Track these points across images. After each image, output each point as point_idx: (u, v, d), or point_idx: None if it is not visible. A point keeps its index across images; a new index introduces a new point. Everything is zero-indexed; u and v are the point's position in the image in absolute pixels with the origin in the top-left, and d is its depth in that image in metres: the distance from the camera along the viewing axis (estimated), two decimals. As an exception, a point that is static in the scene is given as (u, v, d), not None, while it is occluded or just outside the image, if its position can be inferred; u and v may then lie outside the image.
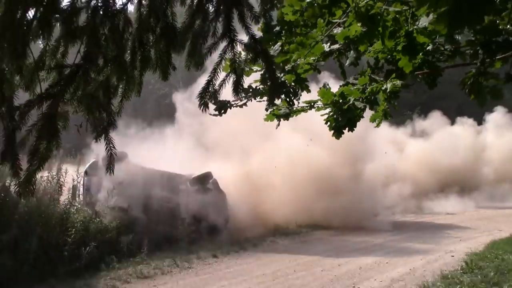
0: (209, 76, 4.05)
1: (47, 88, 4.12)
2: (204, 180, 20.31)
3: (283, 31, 6.01)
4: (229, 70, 4.20)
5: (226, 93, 4.55)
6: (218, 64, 4.06)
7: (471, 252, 16.88)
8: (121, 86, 4.48)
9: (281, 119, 6.23)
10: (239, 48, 4.09)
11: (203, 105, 4.02)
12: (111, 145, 4.26)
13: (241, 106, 6.25)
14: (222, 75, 4.15)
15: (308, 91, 5.78)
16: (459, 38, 5.50)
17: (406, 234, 21.31)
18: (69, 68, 4.21)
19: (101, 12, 4.22)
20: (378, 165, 24.52)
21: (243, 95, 5.99)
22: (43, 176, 14.94)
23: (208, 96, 4.04)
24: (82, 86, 4.12)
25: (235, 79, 4.06)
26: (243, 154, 22.80)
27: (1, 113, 4.20)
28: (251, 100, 6.23)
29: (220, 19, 4.18)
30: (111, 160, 4.25)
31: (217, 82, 4.11)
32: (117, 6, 4.30)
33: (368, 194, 22.98)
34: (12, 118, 4.19)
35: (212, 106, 4.76)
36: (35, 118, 4.05)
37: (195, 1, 4.45)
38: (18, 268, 12.59)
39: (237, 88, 4.07)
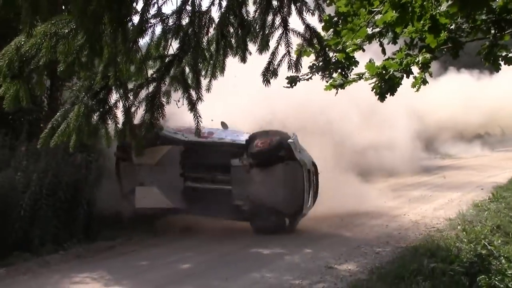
0: (269, 58, 4.02)
1: (152, 74, 4.21)
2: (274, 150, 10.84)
3: (339, 20, 5.87)
4: (297, 53, 4.14)
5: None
6: (276, 48, 4.01)
7: (496, 185, 16.35)
8: (209, 69, 4.50)
9: (338, 89, 6.15)
10: (292, 35, 4.06)
11: (266, 80, 3.99)
12: (198, 115, 4.30)
13: (306, 79, 6.16)
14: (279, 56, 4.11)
15: (356, 65, 5.69)
16: (477, 17, 5.25)
17: (444, 173, 20.65)
18: (168, 57, 4.27)
19: (190, 14, 4.23)
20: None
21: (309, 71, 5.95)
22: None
23: (270, 73, 3.98)
24: (179, 70, 4.17)
25: (294, 59, 4.02)
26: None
27: (120, 94, 4.32)
28: (314, 75, 6.14)
29: (280, 13, 4.12)
30: (198, 127, 4.29)
31: (276, 62, 4.06)
32: (202, 8, 4.30)
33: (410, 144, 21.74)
34: (128, 98, 4.29)
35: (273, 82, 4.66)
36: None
37: (263, 2, 4.38)
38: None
39: (297, 65, 4.03)
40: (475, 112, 28.23)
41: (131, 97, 4.35)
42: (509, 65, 5.26)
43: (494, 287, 7.63)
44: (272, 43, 4.12)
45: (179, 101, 4.42)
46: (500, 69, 5.33)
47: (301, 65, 4.28)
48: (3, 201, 10.05)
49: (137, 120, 4.46)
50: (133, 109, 4.39)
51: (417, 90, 6.09)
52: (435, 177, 19.86)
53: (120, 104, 4.44)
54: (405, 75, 5.60)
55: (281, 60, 4.08)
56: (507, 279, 7.80)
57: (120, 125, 4.44)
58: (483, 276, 7.80)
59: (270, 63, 4.02)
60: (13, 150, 10.90)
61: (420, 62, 5.29)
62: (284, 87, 6.17)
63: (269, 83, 4.06)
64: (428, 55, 5.25)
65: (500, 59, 5.21)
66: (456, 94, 27.50)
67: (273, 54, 4.02)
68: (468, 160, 26.02)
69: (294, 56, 4.12)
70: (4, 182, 10.36)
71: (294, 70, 4.14)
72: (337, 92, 6.28)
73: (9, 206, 10.03)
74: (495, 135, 31.99)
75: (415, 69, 5.84)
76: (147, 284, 7.77)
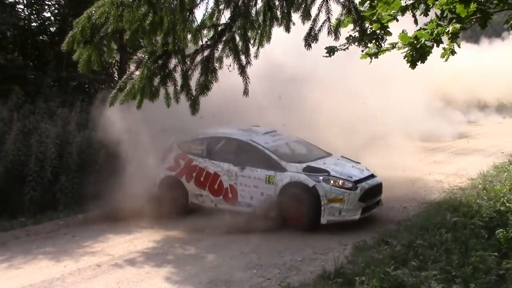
0: (310, 24, 3.89)
1: (206, 41, 4.16)
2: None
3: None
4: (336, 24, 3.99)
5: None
6: (317, 15, 3.87)
7: (515, 149, 15.79)
8: (256, 37, 4.41)
9: (372, 57, 5.94)
10: (332, 2, 3.90)
11: (307, 45, 3.87)
12: (247, 78, 4.24)
13: (344, 49, 5.98)
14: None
15: (390, 34, 5.47)
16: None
17: (466, 139, 19.99)
18: (221, 26, 4.20)
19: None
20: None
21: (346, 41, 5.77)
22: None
23: (311, 38, 3.86)
24: (230, 35, 4.11)
25: (334, 27, 3.88)
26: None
27: (178, 59, 4.30)
28: (352, 45, 5.95)
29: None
30: (247, 88, 4.23)
31: (317, 28, 3.92)
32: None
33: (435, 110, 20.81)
34: (185, 62, 4.27)
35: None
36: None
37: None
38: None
39: (336, 32, 3.90)
40: (495, 81, 26.95)
41: (188, 62, 4.33)
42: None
43: (511, 240, 7.44)
44: (314, 11, 4.00)
45: (230, 65, 4.38)
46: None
47: (340, 33, 4.15)
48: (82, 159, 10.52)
49: (193, 82, 4.44)
50: (189, 72, 4.36)
51: (446, 60, 5.86)
52: (459, 141, 19.26)
53: (179, 68, 4.43)
54: (435, 44, 5.36)
55: (321, 26, 3.95)
56: (523, 233, 7.59)
57: (178, 87, 4.44)
58: (501, 229, 7.64)
59: (311, 28, 3.91)
60: (89, 114, 11.21)
61: (450, 31, 5.05)
62: (323, 56, 6.02)
63: (310, 47, 3.95)
64: (457, 25, 5.00)
65: (525, 28, 4.91)
66: (478, 63, 26.15)
67: (315, 20, 3.91)
68: (490, 126, 24.97)
69: (333, 22, 3.98)
70: (83, 140, 10.77)
71: (333, 37, 4.01)
72: (371, 61, 6.09)
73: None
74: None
75: (445, 40, 5.58)
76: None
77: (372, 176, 9.19)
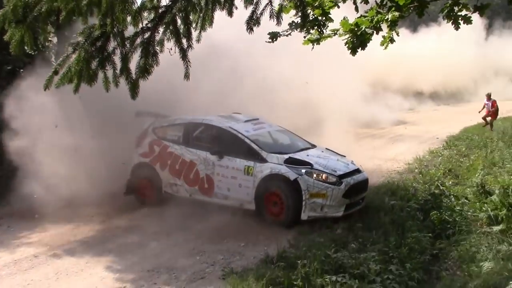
0: (253, 8, 3.86)
1: (146, 23, 4.05)
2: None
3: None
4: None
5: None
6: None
7: (450, 135, 16.49)
8: (198, 21, 4.35)
9: (314, 44, 5.99)
10: None
11: (249, 29, 3.85)
12: (188, 62, 4.17)
13: (286, 35, 6.00)
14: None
15: (332, 21, 5.51)
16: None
17: (404, 125, 20.67)
18: (161, 8, 4.10)
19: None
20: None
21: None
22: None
23: (253, 22, 3.84)
24: (170, 17, 4.02)
25: (276, 12, 3.87)
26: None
27: (117, 42, 4.17)
28: (294, 31, 5.97)
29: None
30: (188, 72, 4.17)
31: (259, 12, 3.90)
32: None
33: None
34: (125, 45, 4.15)
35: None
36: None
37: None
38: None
39: (278, 17, 3.90)
40: (430, 69, 28.02)
41: (127, 45, 4.21)
42: (467, 24, 5.14)
43: (444, 221, 7.80)
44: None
45: (171, 49, 4.29)
46: (459, 27, 5.22)
47: (282, 18, 4.15)
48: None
49: (132, 66, 4.32)
50: (129, 55, 4.23)
51: (386, 47, 5.96)
52: (397, 128, 19.91)
53: (118, 51, 4.30)
54: (375, 32, 5.44)
55: (263, 10, 3.93)
56: (455, 214, 8.00)
57: (118, 71, 4.31)
58: (435, 211, 7.97)
59: (253, 12, 3.89)
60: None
61: (389, 19, 5.14)
62: (266, 41, 6.01)
63: (252, 30, 3.93)
64: (396, 13, 5.08)
65: (460, 18, 5.09)
66: (414, 52, 27.03)
67: (257, 4, 3.88)
68: (426, 113, 25.97)
69: (276, 6, 3.97)
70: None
71: (275, 21, 4.01)
72: (313, 47, 6.13)
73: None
74: (450, 91, 31.72)
75: (384, 28, 5.70)
76: None
77: (358, 171, 8.70)
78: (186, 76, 4.26)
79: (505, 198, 7.77)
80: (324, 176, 8.03)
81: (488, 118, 18.26)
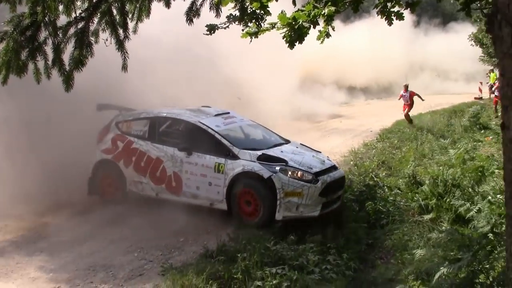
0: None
1: (80, 13, 3.91)
2: None
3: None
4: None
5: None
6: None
7: (383, 128, 17.03)
8: (135, 12, 4.24)
9: (252, 37, 6.01)
10: None
11: (189, 20, 3.80)
12: (126, 53, 4.06)
13: (224, 28, 5.98)
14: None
15: (269, 14, 5.55)
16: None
17: (339, 119, 21.07)
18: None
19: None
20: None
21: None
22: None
23: (193, 13, 3.79)
24: (106, 6, 3.90)
25: (216, 4, 3.85)
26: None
27: (49, 32, 3.99)
28: (232, 24, 5.97)
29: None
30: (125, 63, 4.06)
31: (198, 3, 3.86)
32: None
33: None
34: (57, 35, 3.98)
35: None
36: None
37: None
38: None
39: (217, 8, 3.88)
40: (363, 65, 28.65)
41: (60, 35, 4.03)
42: (400, 20, 5.33)
43: (378, 211, 8.08)
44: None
45: (107, 39, 4.16)
46: (392, 23, 5.40)
47: (221, 10, 4.13)
48: None
49: (66, 57, 4.15)
50: (62, 46, 4.06)
51: (322, 42, 6.07)
52: (333, 121, 20.33)
53: (50, 41, 4.12)
54: (312, 26, 5.54)
55: (203, 1, 3.89)
56: (389, 204, 8.30)
57: (50, 62, 4.12)
58: (370, 202, 8.23)
59: (193, 3, 3.84)
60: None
61: (325, 14, 5.24)
62: (204, 34, 5.96)
63: (192, 22, 3.88)
64: (332, 8, 5.20)
65: (393, 14, 5.27)
66: (348, 48, 27.52)
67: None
68: (359, 107, 26.51)
69: (214, -1, 3.94)
70: None
71: (215, 13, 3.98)
72: (251, 40, 6.15)
73: None
74: (382, 86, 32.57)
75: (321, 22, 5.80)
76: None
77: (334, 167, 8.33)
78: (124, 67, 4.14)
79: (435, 188, 8.16)
80: (299, 173, 7.60)
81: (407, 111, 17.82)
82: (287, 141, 8.97)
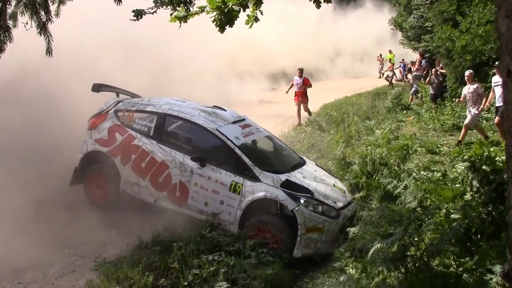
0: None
1: (-4, -6, 3.65)
2: None
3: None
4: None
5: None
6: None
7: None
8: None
9: (181, 21, 5.89)
10: None
11: (118, 1, 3.66)
12: (50, 36, 3.86)
13: (151, 13, 5.81)
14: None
15: (198, -2, 5.47)
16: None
17: (268, 104, 21.14)
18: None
19: None
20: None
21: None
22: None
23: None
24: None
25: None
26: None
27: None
28: (160, 8, 5.81)
29: None
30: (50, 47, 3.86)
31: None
32: None
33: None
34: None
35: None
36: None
37: None
38: None
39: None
40: (287, 50, 28.85)
41: (-26, 19, 3.75)
42: (327, 3, 5.45)
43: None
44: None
45: (27, 23, 3.91)
46: (320, 6, 5.49)
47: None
48: None
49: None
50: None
51: (250, 26, 6.06)
52: (262, 106, 20.40)
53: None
54: (241, 9, 5.51)
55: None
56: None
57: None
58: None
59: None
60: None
61: (255, -3, 5.24)
62: (130, 20, 5.77)
63: (121, 2, 3.74)
64: (262, -9, 5.22)
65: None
66: (272, 33, 27.41)
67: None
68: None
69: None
70: None
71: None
72: (180, 25, 6.04)
73: None
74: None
75: (250, 6, 5.78)
76: None
77: (352, 200, 7.58)
78: (48, 51, 3.91)
79: (364, 167, 8.45)
80: (323, 208, 6.80)
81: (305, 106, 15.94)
82: (302, 160, 8.21)
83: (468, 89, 11.00)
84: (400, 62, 28.21)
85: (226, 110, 8.38)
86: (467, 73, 11.28)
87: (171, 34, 7.30)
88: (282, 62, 29.43)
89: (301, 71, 15.88)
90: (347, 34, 34.70)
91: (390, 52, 29.15)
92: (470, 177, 5.50)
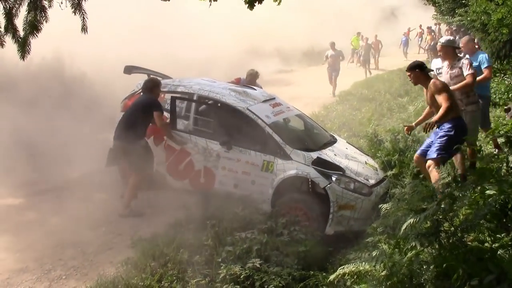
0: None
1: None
2: None
3: None
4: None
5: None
6: None
7: (341, 90, 17.19)
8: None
9: (211, 1, 5.87)
10: None
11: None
12: (84, 13, 3.92)
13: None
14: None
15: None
16: None
17: (291, 86, 20.87)
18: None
19: None
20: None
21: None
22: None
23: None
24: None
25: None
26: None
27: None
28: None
29: None
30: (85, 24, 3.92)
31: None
32: None
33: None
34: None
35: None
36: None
37: None
38: None
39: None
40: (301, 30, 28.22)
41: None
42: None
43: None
44: None
45: (62, 3, 3.99)
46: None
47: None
48: None
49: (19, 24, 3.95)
50: (14, 10, 3.87)
51: (279, 3, 6.01)
52: (288, 87, 20.12)
53: (0, 6, 3.91)
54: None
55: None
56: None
57: (2, 29, 3.93)
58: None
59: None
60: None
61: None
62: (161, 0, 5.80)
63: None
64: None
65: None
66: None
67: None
68: (307, 72, 25.00)
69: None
70: None
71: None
72: (210, 4, 6.03)
73: None
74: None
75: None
76: None
77: (385, 177, 7.44)
78: (84, 29, 3.99)
79: (396, 144, 8.36)
80: (355, 185, 6.74)
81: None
82: (333, 138, 8.12)
83: None
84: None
85: (256, 89, 8.35)
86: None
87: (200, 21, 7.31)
88: (297, 42, 28.40)
89: (333, 45, 17.97)
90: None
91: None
92: (506, 152, 5.40)
